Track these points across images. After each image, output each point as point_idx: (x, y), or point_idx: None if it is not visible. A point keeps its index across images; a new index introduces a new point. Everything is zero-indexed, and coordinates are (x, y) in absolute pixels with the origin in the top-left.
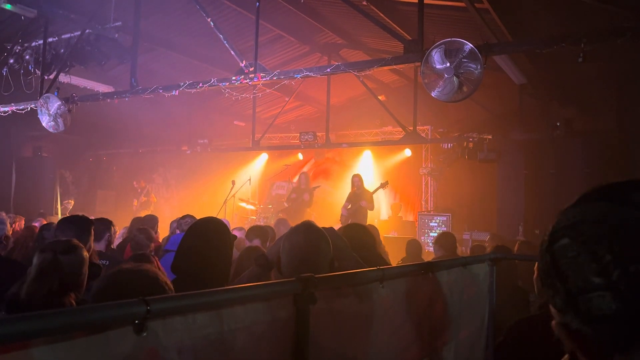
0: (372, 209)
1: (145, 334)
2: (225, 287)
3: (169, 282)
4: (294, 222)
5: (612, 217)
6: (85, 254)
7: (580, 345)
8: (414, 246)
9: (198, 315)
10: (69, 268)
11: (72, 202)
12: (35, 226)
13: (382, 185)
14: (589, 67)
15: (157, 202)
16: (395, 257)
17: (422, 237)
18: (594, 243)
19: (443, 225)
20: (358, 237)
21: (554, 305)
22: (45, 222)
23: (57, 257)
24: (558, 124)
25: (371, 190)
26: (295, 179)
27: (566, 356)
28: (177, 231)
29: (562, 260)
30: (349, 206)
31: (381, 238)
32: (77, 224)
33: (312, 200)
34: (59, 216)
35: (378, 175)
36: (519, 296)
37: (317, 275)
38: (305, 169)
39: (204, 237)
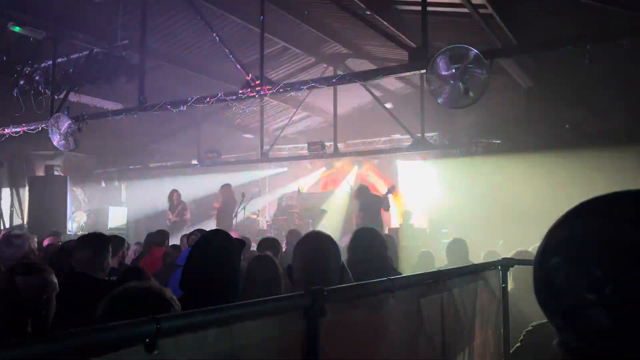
0: (387, 208)
1: (156, 352)
2: (235, 303)
3: (174, 297)
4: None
5: (599, 232)
6: (52, 279)
7: None
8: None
9: (209, 331)
10: (26, 291)
11: (85, 219)
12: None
13: (389, 191)
14: (596, 67)
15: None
16: (407, 264)
17: (434, 244)
18: (584, 259)
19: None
20: (369, 242)
21: (554, 324)
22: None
23: (13, 278)
24: (567, 125)
25: (381, 194)
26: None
27: None
28: (187, 246)
29: (556, 279)
30: (361, 213)
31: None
32: (95, 241)
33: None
34: (72, 233)
35: (387, 183)
36: None
37: (326, 288)
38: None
39: (209, 251)
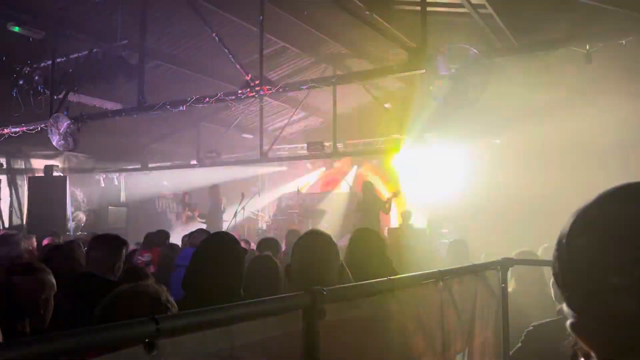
0: (387, 212)
1: (155, 353)
2: (234, 303)
3: (171, 299)
4: None
5: (631, 217)
6: (50, 279)
7: (595, 346)
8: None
9: (208, 332)
10: (24, 290)
11: (84, 219)
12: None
13: (393, 196)
14: (595, 67)
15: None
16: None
17: (434, 244)
18: (613, 242)
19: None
20: (368, 242)
21: (571, 304)
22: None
23: (10, 278)
24: None
25: (383, 196)
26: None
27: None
28: (188, 245)
29: (581, 259)
30: (359, 213)
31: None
32: (109, 243)
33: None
34: (72, 233)
35: (388, 183)
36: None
37: (326, 288)
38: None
39: (213, 253)
